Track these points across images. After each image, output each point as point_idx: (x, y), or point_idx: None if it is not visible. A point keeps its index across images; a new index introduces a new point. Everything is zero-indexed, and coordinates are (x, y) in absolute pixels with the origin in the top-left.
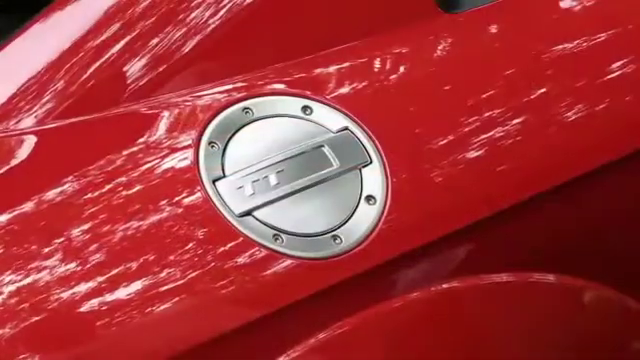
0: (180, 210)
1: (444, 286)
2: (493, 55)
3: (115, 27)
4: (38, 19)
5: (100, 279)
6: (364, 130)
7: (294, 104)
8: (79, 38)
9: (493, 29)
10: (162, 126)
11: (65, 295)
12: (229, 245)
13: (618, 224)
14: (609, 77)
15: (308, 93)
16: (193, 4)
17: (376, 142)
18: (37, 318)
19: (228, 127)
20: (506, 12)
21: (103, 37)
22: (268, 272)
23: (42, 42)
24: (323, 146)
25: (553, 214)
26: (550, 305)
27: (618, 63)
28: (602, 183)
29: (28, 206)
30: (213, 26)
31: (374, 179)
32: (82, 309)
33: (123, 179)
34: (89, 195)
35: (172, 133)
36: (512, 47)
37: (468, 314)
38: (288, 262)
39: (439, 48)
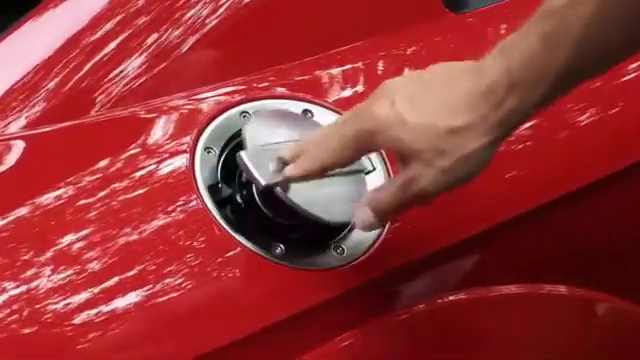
0: (175, 218)
1: (450, 298)
2: None
3: (109, 26)
4: (29, 17)
5: (92, 289)
6: None
7: (294, 108)
8: (71, 37)
9: (500, 29)
10: (157, 131)
11: (57, 305)
12: (226, 255)
13: (631, 233)
14: (622, 80)
15: (309, 96)
16: (191, 2)
17: None
18: (27, 330)
19: (225, 132)
20: (513, 12)
21: (96, 37)
22: (266, 283)
23: (33, 42)
24: None
25: (563, 222)
26: (561, 317)
27: (632, 65)
28: (613, 190)
29: (20, 212)
30: (211, 25)
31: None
32: (73, 320)
33: (117, 185)
34: (82, 202)
35: (167, 138)
36: None
37: (475, 327)
38: (287, 273)
39: (445, 48)
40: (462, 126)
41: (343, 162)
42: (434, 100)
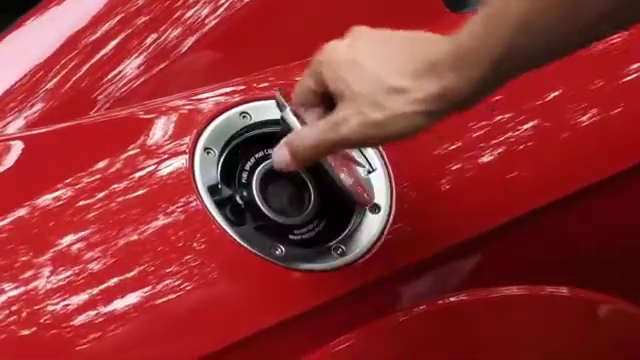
0: (174, 219)
1: (452, 299)
2: None
3: (108, 26)
4: (28, 18)
5: (91, 291)
6: None
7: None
8: (70, 38)
9: None
10: (156, 131)
11: (57, 307)
12: (226, 256)
13: (634, 234)
14: (624, 80)
15: None
16: (190, 2)
17: (380, 148)
18: (28, 332)
19: (224, 132)
20: None
21: (95, 37)
22: (266, 285)
23: (32, 42)
24: None
25: (565, 224)
26: (563, 319)
27: (634, 66)
28: (615, 191)
29: (19, 213)
30: (211, 25)
31: (378, 187)
32: (73, 322)
33: (116, 186)
34: (81, 203)
35: (167, 139)
36: None
37: (476, 329)
38: (287, 275)
39: None
40: (402, 88)
41: (304, 94)
42: (388, 56)
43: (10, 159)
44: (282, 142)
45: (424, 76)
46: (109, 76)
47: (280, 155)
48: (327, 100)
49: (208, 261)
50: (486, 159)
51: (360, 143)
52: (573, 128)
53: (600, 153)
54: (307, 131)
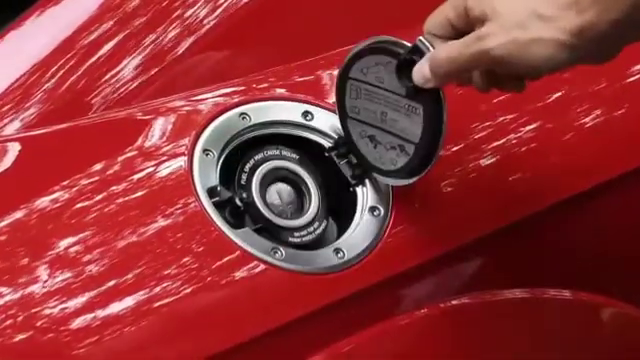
0: (173, 221)
1: (453, 302)
2: None
3: (105, 27)
4: (26, 18)
5: (90, 293)
6: None
7: (294, 109)
8: (68, 38)
9: None
10: (155, 133)
11: (56, 309)
12: (224, 259)
13: (636, 237)
14: (627, 82)
15: (309, 98)
16: (188, 3)
17: None
18: (27, 335)
19: (224, 134)
20: None
21: (93, 38)
22: (266, 288)
23: (30, 43)
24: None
25: (567, 227)
26: (565, 322)
27: (638, 67)
28: (617, 193)
29: (16, 215)
30: (209, 26)
31: (378, 189)
32: (74, 325)
33: (114, 188)
34: (80, 205)
35: (165, 141)
36: None
37: (478, 332)
38: (287, 277)
39: None
40: (549, 16)
41: (440, 24)
42: None
43: (7, 160)
44: (424, 58)
45: (568, 9)
46: (106, 77)
47: (420, 70)
48: (461, 35)
49: (207, 264)
50: (487, 161)
51: (498, 61)
52: (575, 130)
53: (602, 155)
54: (449, 45)
